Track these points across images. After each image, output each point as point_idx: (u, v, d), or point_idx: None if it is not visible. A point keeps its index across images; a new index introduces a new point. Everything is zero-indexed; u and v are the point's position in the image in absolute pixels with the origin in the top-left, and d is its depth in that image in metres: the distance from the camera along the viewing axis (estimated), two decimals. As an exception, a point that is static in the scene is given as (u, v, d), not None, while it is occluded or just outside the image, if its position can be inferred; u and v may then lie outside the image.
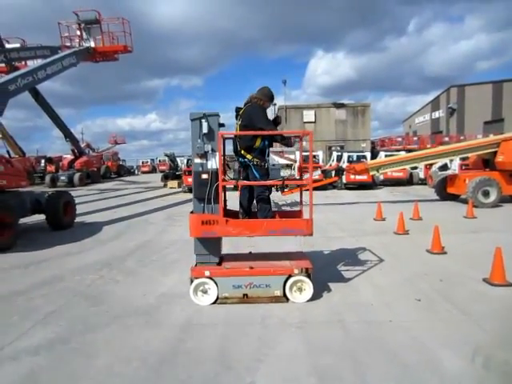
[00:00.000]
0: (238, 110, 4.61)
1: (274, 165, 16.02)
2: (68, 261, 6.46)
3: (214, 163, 4.19)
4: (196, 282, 4.29)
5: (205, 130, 4.08)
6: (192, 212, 4.34)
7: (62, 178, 25.08)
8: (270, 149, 4.71)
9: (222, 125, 4.30)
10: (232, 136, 4.64)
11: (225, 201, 4.64)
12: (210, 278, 4.26)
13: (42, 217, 9.51)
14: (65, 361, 3.14)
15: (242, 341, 3.41)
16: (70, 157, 27.17)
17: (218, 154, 4.15)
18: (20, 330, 3.72)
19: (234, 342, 3.38)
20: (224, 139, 4.40)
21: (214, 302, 4.26)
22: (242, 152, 4.45)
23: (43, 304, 4.44)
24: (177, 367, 3.00)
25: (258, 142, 4.39)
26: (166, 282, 5.16)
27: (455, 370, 2.87)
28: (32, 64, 15.92)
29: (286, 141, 4.70)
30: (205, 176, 4.17)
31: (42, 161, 31.15)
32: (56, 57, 12.99)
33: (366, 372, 2.87)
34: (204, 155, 4.16)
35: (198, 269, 4.36)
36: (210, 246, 4.39)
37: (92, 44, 16.01)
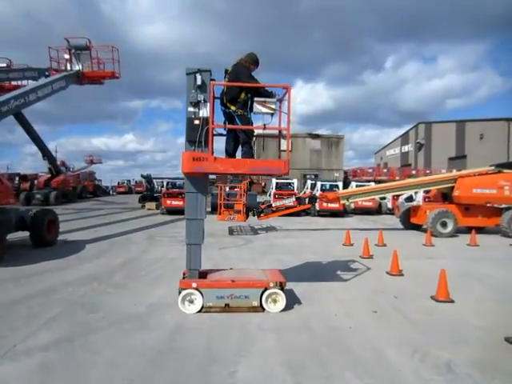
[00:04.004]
0: (226, 71, 5.29)
1: (249, 192, 16.86)
2: (58, 275, 6.84)
3: (205, 111, 4.79)
4: (184, 292, 4.88)
5: (199, 82, 4.72)
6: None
7: (38, 196, 24.80)
8: (254, 98, 5.20)
9: (212, 80, 4.92)
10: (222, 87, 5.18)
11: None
12: (197, 289, 4.85)
13: (22, 233, 9.75)
14: (72, 355, 3.64)
15: (225, 341, 4.02)
16: (46, 175, 27.10)
17: (209, 104, 4.77)
18: (27, 332, 4.17)
19: (219, 342, 3.98)
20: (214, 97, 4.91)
21: (199, 311, 4.84)
22: (228, 104, 5.10)
23: (42, 311, 4.87)
24: (172, 360, 3.57)
25: (243, 95, 5.05)
26: (154, 293, 5.69)
27: (397, 362, 3.60)
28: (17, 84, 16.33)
29: (268, 93, 5.26)
30: (196, 122, 4.75)
31: (16, 178, 30.72)
32: (47, 80, 13.48)
33: (328, 364, 3.55)
34: (197, 104, 4.77)
35: (185, 281, 4.96)
36: (198, 185, 4.92)
37: (80, 68, 16.60)
